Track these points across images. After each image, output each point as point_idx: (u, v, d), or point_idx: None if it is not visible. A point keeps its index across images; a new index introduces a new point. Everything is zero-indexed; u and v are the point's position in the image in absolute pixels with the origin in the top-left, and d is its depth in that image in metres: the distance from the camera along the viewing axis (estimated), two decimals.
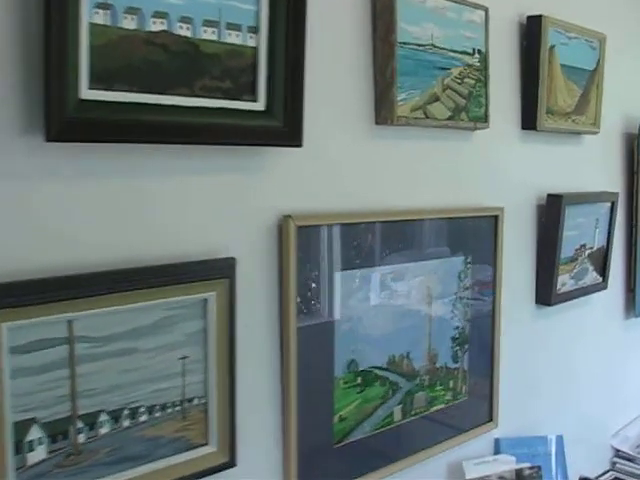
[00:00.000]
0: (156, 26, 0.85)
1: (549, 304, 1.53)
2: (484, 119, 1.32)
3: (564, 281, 1.57)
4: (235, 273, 0.92)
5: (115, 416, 0.84)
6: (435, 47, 1.21)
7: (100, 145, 0.82)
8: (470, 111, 1.28)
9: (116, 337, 0.83)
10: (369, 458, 1.18)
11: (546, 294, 1.53)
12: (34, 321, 0.75)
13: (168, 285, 0.86)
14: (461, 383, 1.35)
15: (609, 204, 1.68)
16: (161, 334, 0.87)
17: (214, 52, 0.91)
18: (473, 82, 1.29)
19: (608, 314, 1.80)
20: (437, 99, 1.22)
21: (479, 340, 1.39)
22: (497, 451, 1.45)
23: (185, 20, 0.87)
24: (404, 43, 1.15)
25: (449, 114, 1.24)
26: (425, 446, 1.28)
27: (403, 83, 1.15)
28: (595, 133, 1.63)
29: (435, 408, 1.30)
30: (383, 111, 1.14)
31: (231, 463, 0.96)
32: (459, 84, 1.26)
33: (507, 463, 1.37)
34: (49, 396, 0.78)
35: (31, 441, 0.77)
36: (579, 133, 1.60)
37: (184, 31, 0.88)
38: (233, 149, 0.94)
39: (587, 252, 1.63)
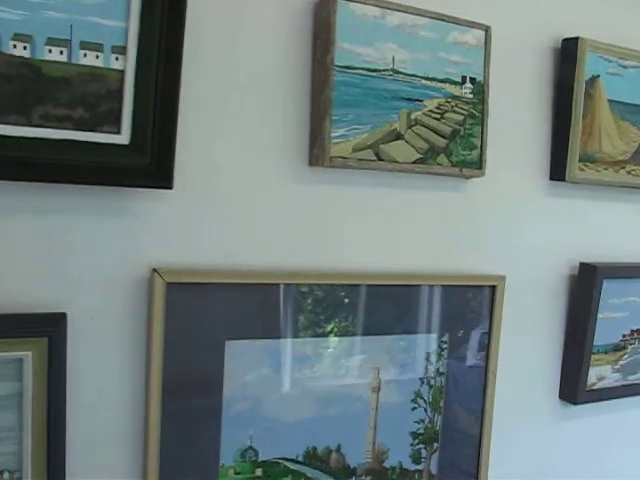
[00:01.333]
0: None
1: (574, 402, 1.27)
2: (477, 165, 1.13)
3: (602, 374, 1.31)
4: (63, 331, 0.84)
5: None
6: (398, 73, 1.05)
7: None
8: (454, 154, 1.11)
9: None
10: None
11: (571, 389, 1.28)
12: None
13: None
14: None
15: None
16: None
17: (61, 76, 0.84)
18: (460, 118, 1.11)
19: None
20: (398, 137, 1.06)
21: (460, 439, 1.18)
22: None
23: (22, 38, 0.82)
24: (347, 67, 1.01)
25: (418, 157, 1.07)
26: None
27: (343, 116, 1.01)
28: None
29: None
30: (315, 149, 1.01)
31: None
32: (437, 120, 1.09)
33: None
34: None
35: None
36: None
37: (19, 51, 0.82)
38: (93, 189, 0.86)
39: None
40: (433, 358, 1.14)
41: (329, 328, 1.05)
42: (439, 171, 1.10)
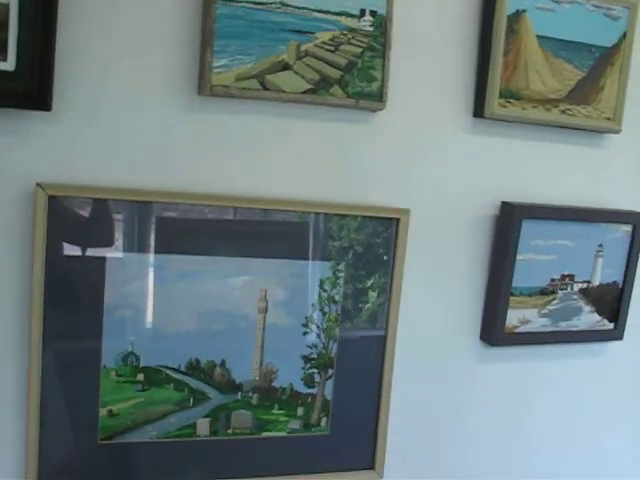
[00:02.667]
0: None
1: (491, 343, 1.37)
2: (377, 97, 1.24)
3: (527, 318, 1.38)
4: None
5: None
6: (286, 6, 1.18)
7: None
8: (350, 85, 1.22)
9: None
10: (152, 466, 1.21)
11: (489, 330, 1.37)
12: None
13: None
14: (319, 413, 1.30)
15: (628, 228, 1.42)
16: None
17: None
18: (358, 51, 1.22)
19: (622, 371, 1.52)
20: (286, 68, 1.19)
21: (358, 367, 1.31)
22: None
23: None
24: (231, 0, 1.14)
25: (308, 87, 1.20)
26: (248, 474, 1.27)
27: (226, 47, 1.15)
28: (614, 131, 1.39)
29: (269, 434, 1.27)
30: (200, 79, 1.16)
31: None
32: (330, 52, 1.21)
33: None
34: None
35: None
36: (578, 128, 1.38)
37: None
38: None
39: (577, 286, 1.41)
40: (327, 286, 1.27)
41: (211, 248, 1.20)
42: (332, 102, 1.22)
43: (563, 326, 1.42)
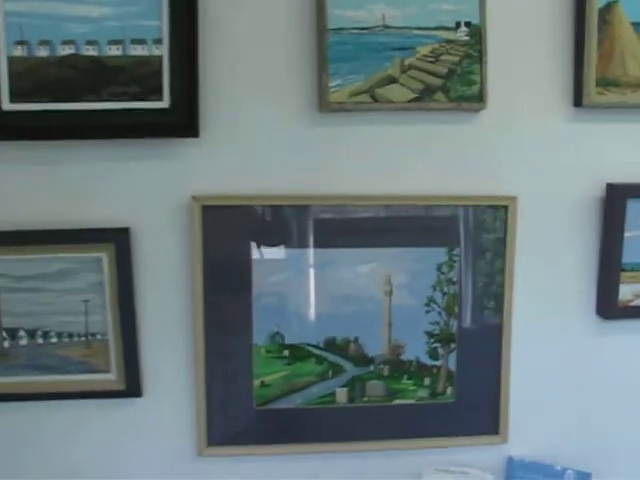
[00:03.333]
0: (65, 51, 1.33)
1: (606, 317, 1.50)
2: (478, 99, 1.42)
3: None
4: (127, 240, 1.36)
5: (31, 334, 1.38)
6: (388, 27, 1.39)
7: (27, 142, 1.35)
8: (452, 91, 1.41)
9: (27, 278, 1.36)
10: (299, 429, 1.47)
11: (604, 305, 1.50)
12: None
13: (68, 244, 1.36)
14: (444, 383, 1.50)
15: None
16: (65, 280, 1.37)
17: (120, 64, 1.35)
18: (456, 59, 1.41)
19: None
20: (393, 81, 1.40)
21: (478, 341, 1.49)
22: (509, 471, 1.53)
23: (91, 43, 1.34)
24: (339, 29, 1.37)
25: (413, 96, 1.41)
26: (381, 437, 1.49)
27: (338, 69, 1.38)
28: None
29: (400, 402, 1.49)
30: (319, 98, 1.41)
31: (133, 393, 1.42)
32: (432, 63, 1.41)
33: (476, 478, 1.46)
34: None
35: None
36: None
37: (90, 52, 1.34)
38: (144, 141, 1.37)
39: None
40: (445, 269, 1.46)
41: (341, 242, 1.43)
42: (436, 107, 1.41)
43: None
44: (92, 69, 1.32)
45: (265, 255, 1.41)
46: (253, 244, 1.40)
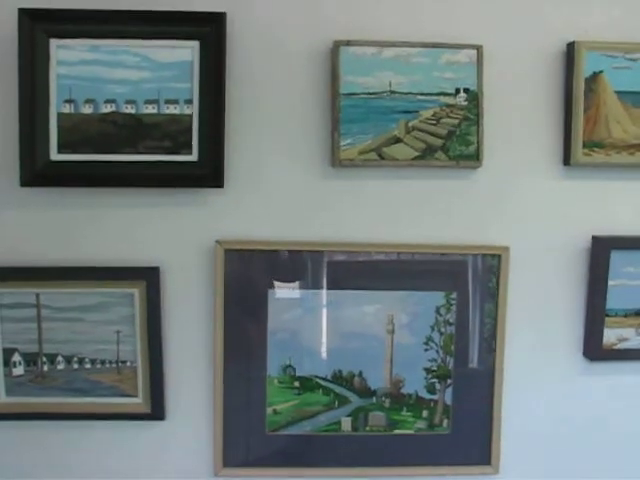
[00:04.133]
0: (107, 109, 1.55)
1: (592, 359, 1.66)
2: (474, 157, 1.61)
3: (624, 336, 1.66)
4: (157, 277, 1.56)
5: (68, 359, 1.58)
6: (395, 93, 1.59)
7: (72, 189, 1.56)
8: (451, 150, 1.60)
9: (68, 309, 1.56)
10: (307, 454, 1.65)
11: (590, 348, 1.66)
12: (15, 290, 1.56)
13: (105, 280, 1.56)
14: (440, 416, 1.67)
15: None
16: (101, 312, 1.57)
17: (155, 122, 1.55)
18: (456, 122, 1.60)
19: None
20: (398, 141, 1.60)
21: (473, 378, 1.66)
22: None
23: (130, 102, 1.55)
24: (351, 94, 1.57)
25: (416, 154, 1.60)
26: (381, 464, 1.66)
27: (349, 129, 1.57)
28: None
29: (399, 432, 1.66)
30: (333, 155, 1.60)
31: (158, 416, 1.60)
32: (433, 125, 1.60)
33: None
34: (25, 338, 1.57)
35: (14, 361, 1.58)
36: None
37: (129, 110, 1.55)
38: (175, 190, 1.58)
39: None
40: (442, 311, 1.65)
41: (350, 284, 1.62)
42: (437, 164, 1.60)
43: None
44: (130, 125, 1.53)
45: (280, 294, 1.59)
46: (270, 284, 1.58)
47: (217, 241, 1.56)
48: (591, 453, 1.70)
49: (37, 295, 1.55)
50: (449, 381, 1.64)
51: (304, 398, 1.62)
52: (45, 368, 1.57)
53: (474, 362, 1.65)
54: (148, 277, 1.54)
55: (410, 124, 1.57)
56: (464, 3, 1.59)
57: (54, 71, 1.52)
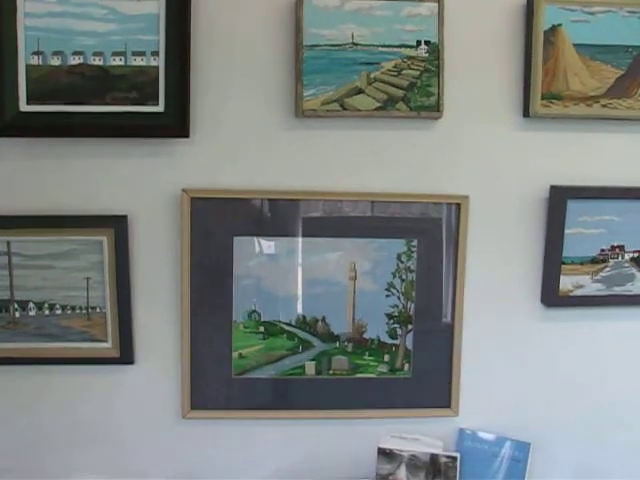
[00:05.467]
0: (75, 61, 1.63)
1: (549, 305, 1.77)
2: (435, 108, 1.70)
3: (580, 283, 1.77)
4: (125, 226, 1.65)
5: (39, 306, 1.68)
6: (357, 45, 1.67)
7: (41, 139, 1.65)
8: (412, 101, 1.69)
9: (38, 257, 1.66)
10: (272, 396, 1.76)
11: (547, 294, 1.77)
12: None
13: (74, 228, 1.66)
14: (402, 360, 1.78)
15: None
16: (71, 259, 1.66)
17: (122, 73, 1.64)
18: (417, 73, 1.68)
19: None
20: (360, 92, 1.69)
21: (433, 323, 1.77)
22: (459, 441, 1.81)
23: (97, 54, 1.63)
24: (314, 45, 1.65)
25: (378, 105, 1.69)
26: (344, 406, 1.78)
27: (312, 80, 1.65)
28: None
29: (362, 375, 1.78)
30: (296, 106, 1.70)
31: (127, 360, 1.71)
32: (394, 76, 1.69)
33: (429, 446, 1.74)
34: None
35: None
36: (622, 119, 1.74)
37: (97, 62, 1.63)
38: (142, 140, 1.67)
39: (628, 255, 1.77)
40: (404, 258, 1.75)
41: (313, 231, 1.72)
42: (398, 115, 1.69)
43: (617, 290, 1.77)
44: (98, 76, 1.61)
45: (244, 241, 1.69)
46: (235, 232, 1.68)
47: (183, 190, 1.65)
48: (545, 396, 1.81)
49: (8, 243, 1.64)
50: (410, 326, 1.75)
51: (269, 343, 1.73)
52: (17, 314, 1.67)
53: (434, 308, 1.75)
54: (116, 225, 1.64)
55: (372, 75, 1.66)
56: None
57: (22, 23, 1.59)
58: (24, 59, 1.60)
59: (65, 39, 1.61)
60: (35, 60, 1.60)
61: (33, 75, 1.60)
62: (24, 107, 1.61)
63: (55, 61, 1.61)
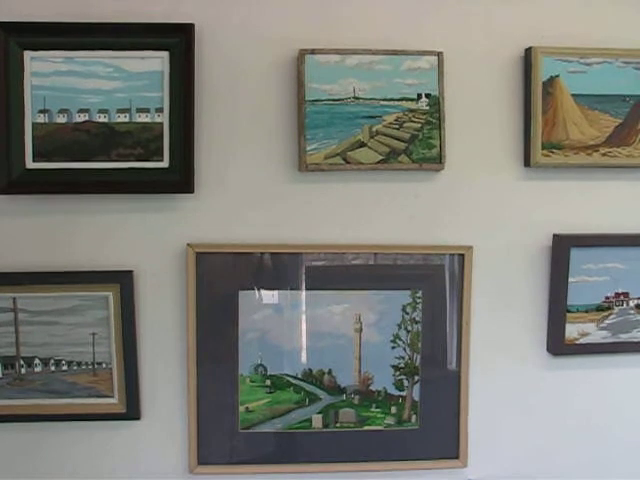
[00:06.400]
0: (80, 118, 1.68)
1: (555, 354, 1.80)
2: (437, 160, 1.74)
3: (586, 331, 1.80)
4: (131, 281, 1.69)
5: (45, 362, 1.71)
6: (359, 99, 1.73)
7: (47, 196, 1.70)
8: (414, 153, 1.74)
9: (44, 313, 1.69)
10: (279, 450, 1.78)
11: (553, 343, 1.80)
12: None
13: (80, 284, 1.70)
14: (409, 412, 1.80)
15: None
16: (77, 315, 1.70)
17: (127, 130, 1.69)
18: (418, 126, 1.74)
19: None
20: (362, 145, 1.74)
21: (439, 374, 1.80)
22: None
23: (102, 111, 1.68)
24: (316, 100, 1.71)
25: (380, 158, 1.74)
26: (352, 459, 1.80)
27: (315, 135, 1.71)
28: None
29: (369, 428, 1.80)
30: (299, 160, 1.74)
31: (133, 416, 1.73)
32: (396, 129, 1.74)
33: None
34: (3, 341, 1.69)
35: None
36: (622, 167, 1.79)
37: (102, 119, 1.69)
38: (147, 196, 1.71)
39: (632, 302, 1.80)
40: (409, 309, 1.78)
41: (318, 284, 1.76)
42: (400, 167, 1.74)
43: (623, 338, 1.81)
44: (103, 133, 1.67)
45: (250, 295, 1.72)
46: (240, 286, 1.72)
47: (188, 244, 1.69)
48: (555, 444, 1.83)
49: (14, 299, 1.67)
50: (416, 377, 1.78)
51: (275, 396, 1.75)
52: (23, 371, 1.70)
53: (440, 359, 1.78)
54: (122, 280, 1.67)
55: (374, 129, 1.71)
56: (424, 12, 1.72)
57: (28, 82, 1.65)
58: (30, 117, 1.66)
59: (71, 97, 1.66)
60: (41, 118, 1.65)
61: (39, 133, 1.65)
62: (30, 164, 1.66)
63: (61, 119, 1.66)
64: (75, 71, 1.66)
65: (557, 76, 1.74)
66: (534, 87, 1.73)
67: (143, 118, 1.68)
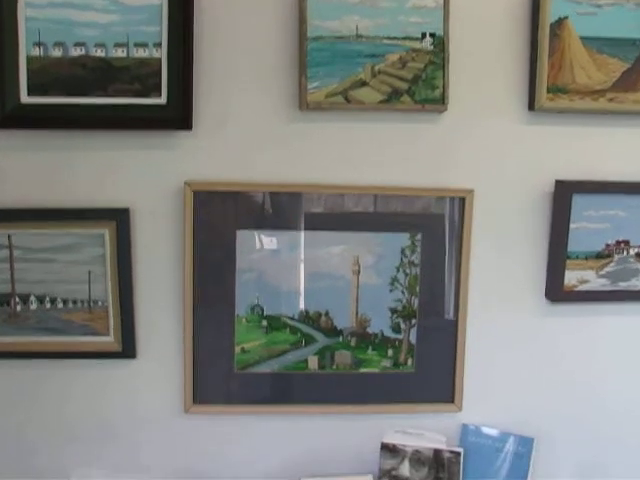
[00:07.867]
0: (76, 52, 1.68)
1: (553, 300, 1.84)
2: (440, 101, 1.75)
3: (585, 278, 1.83)
4: (127, 219, 1.71)
5: (40, 299, 1.74)
6: (362, 37, 1.72)
7: (42, 131, 1.71)
8: (416, 94, 1.75)
9: (40, 250, 1.71)
10: (274, 391, 1.82)
11: (552, 289, 1.83)
12: None
13: (76, 221, 1.72)
14: (405, 354, 1.84)
15: None
16: (73, 253, 1.72)
17: (124, 65, 1.69)
18: (422, 66, 1.74)
19: None
20: (364, 85, 1.74)
21: (437, 318, 1.83)
22: (463, 436, 1.87)
23: (99, 45, 1.69)
24: (318, 37, 1.70)
25: (382, 98, 1.74)
26: (347, 401, 1.84)
27: (316, 73, 1.71)
28: None
29: (365, 370, 1.84)
30: (300, 98, 1.75)
31: (129, 354, 1.77)
32: (399, 69, 1.75)
33: (432, 441, 1.81)
34: None
35: None
36: (628, 113, 1.80)
37: (98, 53, 1.69)
38: (144, 132, 1.72)
39: (633, 250, 1.83)
40: (407, 252, 1.81)
41: (317, 225, 1.78)
42: (402, 108, 1.75)
43: (622, 286, 1.84)
44: (100, 68, 1.66)
45: (248, 235, 1.75)
46: (238, 225, 1.74)
47: (186, 182, 1.71)
48: (551, 391, 1.88)
49: (9, 236, 1.69)
50: (414, 321, 1.81)
51: (272, 337, 1.79)
52: (18, 308, 1.73)
53: (438, 302, 1.81)
54: (118, 218, 1.69)
55: (376, 68, 1.71)
56: None
57: (22, 13, 1.64)
58: (25, 50, 1.65)
59: (66, 30, 1.65)
60: (36, 51, 1.65)
61: (34, 66, 1.65)
62: (25, 99, 1.66)
63: (56, 52, 1.65)
64: (71, 3, 1.65)
65: (566, 17, 1.74)
66: (541, 28, 1.73)
67: (141, 53, 1.68)
